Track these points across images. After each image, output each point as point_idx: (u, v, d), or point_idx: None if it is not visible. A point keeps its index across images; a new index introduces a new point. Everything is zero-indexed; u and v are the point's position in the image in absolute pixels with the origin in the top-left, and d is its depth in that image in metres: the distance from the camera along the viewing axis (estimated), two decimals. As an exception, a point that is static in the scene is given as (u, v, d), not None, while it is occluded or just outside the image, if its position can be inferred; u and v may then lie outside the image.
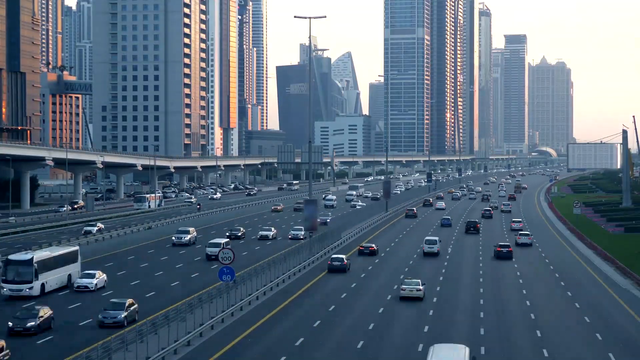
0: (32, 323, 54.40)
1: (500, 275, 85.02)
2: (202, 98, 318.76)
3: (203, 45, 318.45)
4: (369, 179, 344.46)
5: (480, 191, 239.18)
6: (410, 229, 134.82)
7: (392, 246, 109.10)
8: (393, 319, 61.71)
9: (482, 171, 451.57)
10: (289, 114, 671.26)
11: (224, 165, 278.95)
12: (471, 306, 67.73)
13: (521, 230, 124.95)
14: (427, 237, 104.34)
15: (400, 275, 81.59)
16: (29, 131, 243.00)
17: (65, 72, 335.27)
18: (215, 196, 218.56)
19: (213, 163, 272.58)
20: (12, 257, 70.49)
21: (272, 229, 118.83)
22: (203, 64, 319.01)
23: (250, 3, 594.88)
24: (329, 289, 74.59)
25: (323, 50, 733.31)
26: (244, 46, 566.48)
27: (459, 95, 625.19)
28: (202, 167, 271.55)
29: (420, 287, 69.34)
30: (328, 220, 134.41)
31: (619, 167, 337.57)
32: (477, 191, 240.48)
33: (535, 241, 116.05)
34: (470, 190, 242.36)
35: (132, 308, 58.85)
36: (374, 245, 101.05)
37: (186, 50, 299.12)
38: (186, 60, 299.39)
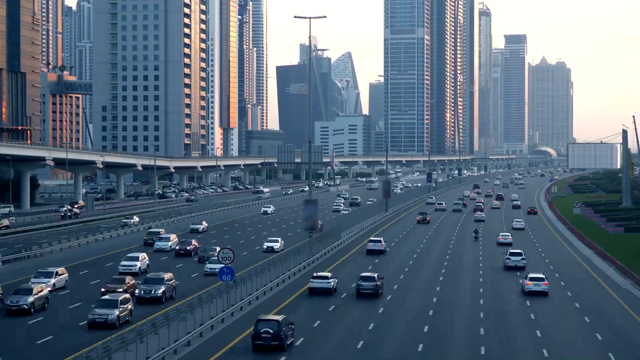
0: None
1: (499, 271, 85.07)
2: (202, 98, 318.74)
3: (203, 45, 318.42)
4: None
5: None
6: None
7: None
8: (392, 318, 61.72)
9: (482, 171, 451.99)
10: (289, 114, 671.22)
11: (224, 165, 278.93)
12: (470, 308, 67.78)
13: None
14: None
15: (401, 276, 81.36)
16: (29, 131, 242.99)
17: (65, 72, 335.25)
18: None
19: (213, 163, 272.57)
20: None
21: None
22: (203, 64, 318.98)
23: (250, 3, 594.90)
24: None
25: (323, 50, 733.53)
26: (244, 46, 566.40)
27: (459, 95, 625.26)
28: (202, 167, 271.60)
29: None
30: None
31: (619, 167, 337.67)
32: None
33: (535, 241, 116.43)
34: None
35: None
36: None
37: (186, 50, 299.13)
38: (186, 60, 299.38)
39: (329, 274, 73.10)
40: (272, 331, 50.26)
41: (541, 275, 74.38)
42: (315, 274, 72.83)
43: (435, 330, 57.78)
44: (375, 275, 71.64)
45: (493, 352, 52.43)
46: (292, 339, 52.75)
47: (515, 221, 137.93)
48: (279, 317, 51.91)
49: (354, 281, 72.93)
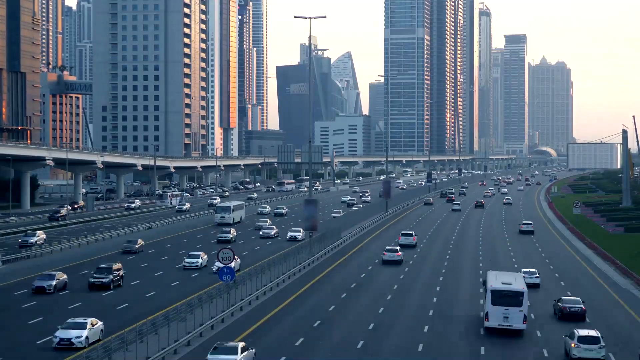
0: None
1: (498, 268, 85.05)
2: (202, 98, 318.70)
3: (203, 45, 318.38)
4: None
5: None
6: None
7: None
8: (393, 319, 61.75)
9: (481, 171, 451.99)
10: (289, 114, 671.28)
11: (224, 165, 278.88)
12: (469, 308, 67.87)
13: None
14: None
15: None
16: (29, 131, 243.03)
17: (65, 72, 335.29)
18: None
19: (213, 163, 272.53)
20: None
21: None
22: (203, 64, 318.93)
23: (250, 3, 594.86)
24: (330, 289, 74.61)
25: (323, 50, 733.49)
26: (244, 46, 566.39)
27: (459, 95, 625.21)
28: (202, 167, 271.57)
29: None
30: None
31: (619, 167, 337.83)
32: None
33: (535, 241, 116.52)
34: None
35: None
36: None
37: (186, 50, 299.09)
38: (186, 60, 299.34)
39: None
40: None
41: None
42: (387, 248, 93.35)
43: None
44: None
45: (493, 352, 52.48)
46: None
47: (519, 187, 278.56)
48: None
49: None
